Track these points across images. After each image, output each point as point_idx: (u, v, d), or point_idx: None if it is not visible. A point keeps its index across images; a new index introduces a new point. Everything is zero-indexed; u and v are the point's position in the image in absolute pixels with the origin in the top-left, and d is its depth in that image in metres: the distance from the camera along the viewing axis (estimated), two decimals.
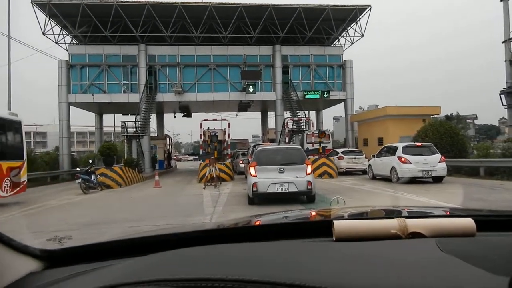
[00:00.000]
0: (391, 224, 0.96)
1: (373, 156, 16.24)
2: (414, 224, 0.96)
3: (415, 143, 15.04)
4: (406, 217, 1.00)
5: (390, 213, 1.39)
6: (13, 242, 0.87)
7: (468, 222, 0.96)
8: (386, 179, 14.67)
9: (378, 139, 24.86)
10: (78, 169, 15.79)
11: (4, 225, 7.77)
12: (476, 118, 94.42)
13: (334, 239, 0.96)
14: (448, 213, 1.38)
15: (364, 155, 20.43)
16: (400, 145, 14.34)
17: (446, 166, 13.51)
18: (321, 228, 1.10)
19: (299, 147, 10.60)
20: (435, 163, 13.32)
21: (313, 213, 1.67)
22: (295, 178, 8.81)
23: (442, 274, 0.69)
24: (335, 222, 0.98)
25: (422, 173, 13.18)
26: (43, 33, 25.20)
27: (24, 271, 0.87)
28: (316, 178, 16.23)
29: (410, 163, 13.34)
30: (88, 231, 6.25)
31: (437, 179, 13.50)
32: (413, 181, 13.42)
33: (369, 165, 16.77)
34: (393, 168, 13.93)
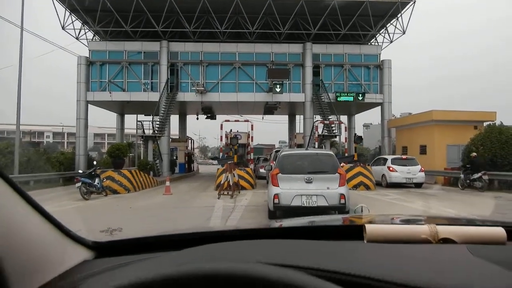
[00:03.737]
0: (422, 230, 0.99)
1: (369, 165, 18.29)
2: (445, 231, 0.98)
3: (401, 156, 18.97)
4: (437, 224, 1.02)
5: (421, 220, 1.39)
6: (71, 233, 0.97)
7: (499, 231, 0.98)
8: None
9: (421, 147, 21.98)
10: (80, 171, 14.19)
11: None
12: None
13: (365, 242, 0.98)
14: (479, 222, 1.36)
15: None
16: (389, 157, 17.95)
17: (424, 174, 16.75)
18: (351, 232, 1.11)
19: (331, 152, 8.81)
20: (416, 172, 16.50)
21: (342, 219, 1.66)
22: (325, 190, 7.44)
23: (474, 276, 0.73)
24: (366, 225, 1.00)
25: (405, 180, 16.32)
26: (63, 28, 24.24)
27: (79, 259, 0.96)
28: (350, 189, 14.01)
29: (397, 171, 16.49)
30: None
31: (418, 185, 16.55)
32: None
33: None
34: (383, 175, 17.01)
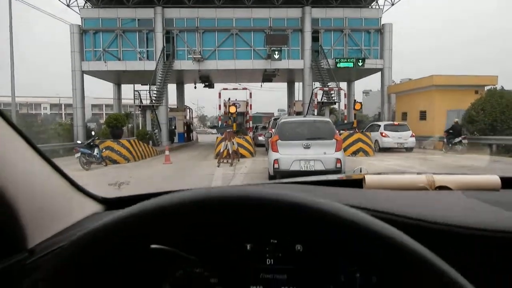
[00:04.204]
0: (419, 179, 1.02)
1: (362, 131, 18.41)
2: (442, 179, 1.02)
3: (393, 122, 19.47)
4: (434, 174, 1.05)
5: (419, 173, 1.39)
6: (83, 188, 1.02)
7: (493, 178, 1.00)
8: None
9: (420, 112, 21.86)
10: (79, 142, 14.14)
11: None
12: None
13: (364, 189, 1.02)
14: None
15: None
16: (382, 124, 18.55)
17: (415, 140, 17.40)
18: (352, 185, 1.14)
19: (328, 119, 9.17)
20: (407, 137, 17.15)
21: (341, 176, 1.70)
22: (323, 155, 7.88)
23: (469, 213, 0.77)
24: (366, 176, 1.04)
25: (397, 145, 17.04)
26: None
27: (90, 212, 1.01)
28: (349, 156, 14.11)
29: (389, 137, 17.14)
30: None
31: (408, 150, 17.25)
32: None
33: None
34: (376, 141, 17.48)
